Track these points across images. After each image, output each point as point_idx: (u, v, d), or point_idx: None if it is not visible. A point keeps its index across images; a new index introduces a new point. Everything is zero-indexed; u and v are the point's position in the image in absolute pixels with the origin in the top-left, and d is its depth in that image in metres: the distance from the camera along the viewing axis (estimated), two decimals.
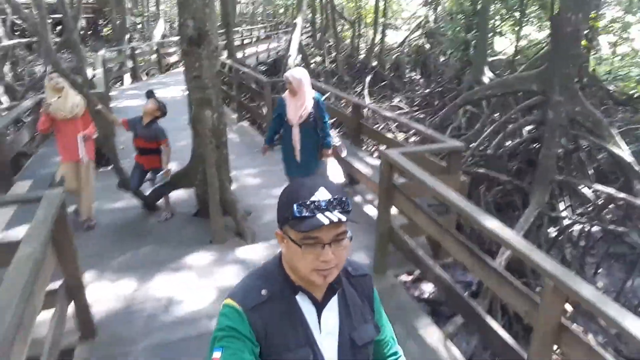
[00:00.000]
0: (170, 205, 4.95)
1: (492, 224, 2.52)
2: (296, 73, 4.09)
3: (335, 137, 4.57)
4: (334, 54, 17.13)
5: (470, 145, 6.68)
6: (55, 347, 2.51)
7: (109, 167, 5.42)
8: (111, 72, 11.86)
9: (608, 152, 5.35)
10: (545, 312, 2.14)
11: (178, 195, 5.15)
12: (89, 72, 8.85)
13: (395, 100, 13.14)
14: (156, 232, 4.62)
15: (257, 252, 4.11)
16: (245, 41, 20.00)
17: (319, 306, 1.13)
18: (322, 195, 1.02)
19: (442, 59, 16.53)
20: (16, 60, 15.58)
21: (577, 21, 4.76)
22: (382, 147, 4.89)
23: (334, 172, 4.50)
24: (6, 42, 11.08)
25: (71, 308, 2.97)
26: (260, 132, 8.25)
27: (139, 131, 4.55)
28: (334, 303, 1.16)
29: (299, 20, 11.55)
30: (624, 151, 5.30)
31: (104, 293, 3.61)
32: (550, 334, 2.16)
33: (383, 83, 15.19)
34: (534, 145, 6.05)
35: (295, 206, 1.02)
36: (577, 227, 5.61)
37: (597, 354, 1.99)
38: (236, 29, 19.47)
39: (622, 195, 5.09)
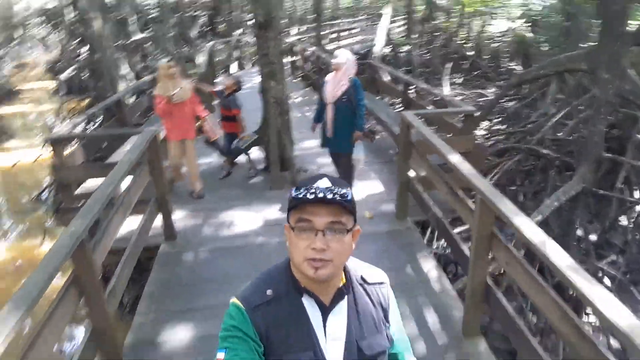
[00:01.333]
0: (253, 162, 5.92)
1: (469, 171, 3.11)
2: (344, 52, 4.56)
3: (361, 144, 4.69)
4: (433, 44, 17.46)
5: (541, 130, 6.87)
6: (140, 242, 3.70)
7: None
8: (219, 62, 13.67)
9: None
10: (479, 221, 2.79)
11: (258, 153, 6.20)
12: (199, 59, 10.54)
13: (489, 90, 13.20)
14: (232, 179, 5.83)
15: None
16: (344, 33, 21.01)
17: (325, 310, 1.12)
18: (322, 183, 1.05)
19: (546, 47, 15.98)
20: (145, 53, 18.49)
21: (622, 0, 4.94)
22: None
23: (361, 157, 4.69)
24: (138, 36, 13.40)
25: (158, 219, 4.23)
26: None
27: (221, 101, 5.76)
28: (342, 308, 1.14)
29: (387, 11, 12.26)
30: None
31: (186, 213, 4.88)
32: (484, 239, 2.81)
33: (476, 72, 15.23)
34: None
35: (293, 190, 1.06)
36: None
37: (516, 258, 2.58)
38: (336, 21, 20.60)
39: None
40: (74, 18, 19.41)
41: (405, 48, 14.20)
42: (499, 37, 18.31)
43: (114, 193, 3.07)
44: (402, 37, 17.18)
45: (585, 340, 1.94)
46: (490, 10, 18.64)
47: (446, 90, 8.80)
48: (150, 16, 20.47)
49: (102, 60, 8.06)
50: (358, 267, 1.22)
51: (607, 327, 2.58)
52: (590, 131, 5.52)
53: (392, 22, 22.82)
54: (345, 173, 4.75)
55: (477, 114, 4.43)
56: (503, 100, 9.73)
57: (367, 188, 5.35)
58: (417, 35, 18.41)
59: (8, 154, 12.25)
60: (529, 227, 2.31)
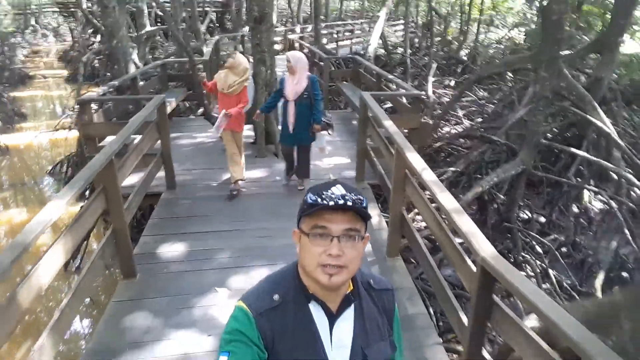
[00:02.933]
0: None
1: (393, 129, 4.20)
2: (295, 54, 4.97)
3: (325, 135, 5.21)
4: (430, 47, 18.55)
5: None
6: (148, 181, 4.82)
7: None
8: (223, 55, 14.82)
9: (589, 122, 6.43)
10: (396, 166, 3.86)
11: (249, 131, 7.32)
12: (205, 50, 11.68)
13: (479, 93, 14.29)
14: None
15: (280, 164, 6.18)
16: (347, 33, 22.14)
17: (332, 317, 1.13)
18: (337, 190, 1.06)
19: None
20: (155, 44, 19.70)
21: (560, 10, 6.00)
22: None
23: (323, 140, 5.17)
24: (149, 28, 14.54)
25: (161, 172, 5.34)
26: None
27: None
28: (349, 315, 1.15)
29: (382, 13, 13.37)
30: (605, 122, 6.33)
31: (186, 170, 6.00)
32: (400, 180, 3.87)
33: (465, 76, 16.34)
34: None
35: (308, 196, 1.08)
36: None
37: (419, 194, 3.63)
38: (339, 22, 21.74)
39: (594, 158, 6.20)
40: (89, 9, 20.70)
41: (400, 50, 15.28)
42: (496, 44, 19.41)
43: (128, 141, 4.19)
44: (402, 40, 18.32)
45: (458, 254, 2.99)
46: (490, 18, 19.73)
47: (430, 88, 9.87)
48: (161, 10, 21.71)
49: (119, 47, 9.21)
50: (365, 274, 1.23)
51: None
52: (531, 121, 6.59)
53: (394, 25, 24.01)
54: (304, 164, 5.27)
55: (423, 96, 5.48)
56: (483, 101, 10.86)
57: (336, 159, 6.48)
58: (416, 40, 19.57)
59: (23, 133, 13.50)
60: (428, 175, 3.27)
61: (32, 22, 33.06)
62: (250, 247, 4.28)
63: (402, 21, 20.41)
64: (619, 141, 6.39)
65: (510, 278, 2.08)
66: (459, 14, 20.01)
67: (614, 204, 6.26)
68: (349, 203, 1.03)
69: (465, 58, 17.36)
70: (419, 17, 23.53)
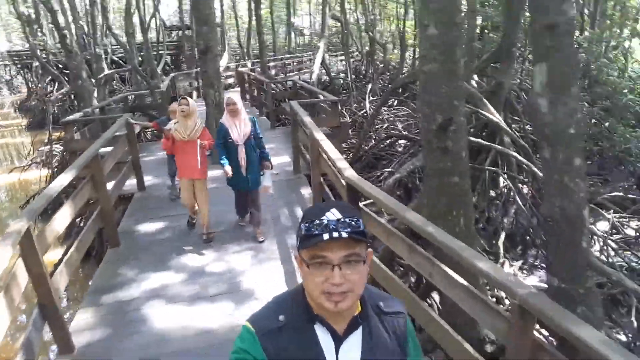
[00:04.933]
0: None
1: (312, 126, 5.69)
2: (237, 96, 4.96)
3: (270, 173, 5.08)
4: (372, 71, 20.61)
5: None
6: (120, 185, 6.12)
7: None
8: (180, 88, 16.30)
9: (481, 114, 8.13)
10: (311, 148, 5.33)
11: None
12: (162, 85, 13.11)
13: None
14: None
15: None
16: (295, 65, 24.02)
17: (339, 339, 1.12)
18: (332, 215, 1.05)
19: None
20: (113, 88, 20.96)
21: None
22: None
23: (269, 180, 5.04)
24: (107, 72, 15.88)
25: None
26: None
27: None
28: (356, 338, 1.13)
29: (321, 44, 15.21)
30: (493, 114, 8.04)
31: (153, 177, 7.26)
32: (315, 158, 5.33)
33: (406, 95, 18.34)
34: None
35: (303, 225, 1.07)
36: None
37: (328, 163, 5.09)
38: (287, 55, 23.64)
39: (491, 144, 7.86)
40: (44, 58, 21.84)
41: (342, 75, 17.14)
42: None
43: (105, 147, 5.51)
44: (342, 67, 20.32)
45: (338, 180, 4.46)
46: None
47: (367, 105, 11.55)
48: (116, 55, 23.12)
49: (84, 87, 10.53)
50: (374, 295, 1.22)
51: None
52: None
53: (337, 55, 26.14)
54: (258, 208, 5.19)
55: (338, 102, 7.05)
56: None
57: (280, 159, 7.91)
58: (362, 67, 21.61)
59: None
60: (334, 152, 4.68)
61: None
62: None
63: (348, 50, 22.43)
64: (506, 128, 8.08)
65: (367, 189, 3.52)
66: (398, 42, 22.29)
67: (508, 182, 7.89)
68: (344, 234, 1.02)
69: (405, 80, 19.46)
70: (364, 47, 25.79)
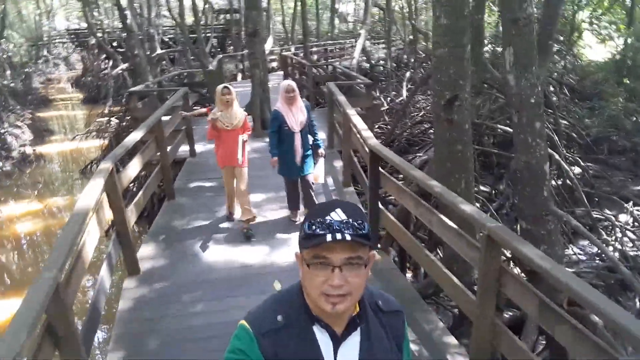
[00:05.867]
0: None
1: (346, 104, 6.39)
2: (294, 84, 4.89)
3: (322, 160, 5.13)
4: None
5: None
6: (174, 150, 7.04)
7: None
8: (226, 70, 17.30)
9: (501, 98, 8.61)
10: (344, 123, 6.05)
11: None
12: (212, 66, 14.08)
13: None
14: None
15: None
16: (337, 51, 24.63)
17: (337, 341, 1.12)
18: (335, 215, 1.04)
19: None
20: (163, 67, 22.26)
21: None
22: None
23: (321, 169, 5.07)
24: (159, 51, 17.07)
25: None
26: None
27: None
28: (354, 339, 1.14)
29: (362, 32, 15.80)
30: None
31: (201, 145, 8.17)
32: (347, 130, 6.04)
33: None
34: None
35: (306, 224, 1.05)
36: None
37: (356, 135, 5.78)
38: (329, 42, 24.28)
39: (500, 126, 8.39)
40: (101, 38, 23.37)
41: (382, 63, 17.67)
42: None
43: (165, 115, 6.42)
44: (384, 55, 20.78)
45: (365, 150, 5.17)
46: None
47: (404, 93, 12.14)
48: (168, 36, 24.41)
49: (140, 64, 11.60)
50: (373, 294, 1.22)
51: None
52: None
53: (379, 43, 26.55)
54: (309, 193, 5.08)
55: (372, 85, 7.71)
56: None
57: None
58: (404, 56, 22.00)
59: (53, 144, 15.91)
60: (361, 124, 5.43)
61: (45, 52, 35.91)
62: None
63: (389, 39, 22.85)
64: None
65: (385, 153, 4.23)
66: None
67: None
68: (347, 237, 1.00)
69: None
70: (407, 35, 26.09)
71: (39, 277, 2.44)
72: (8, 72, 23.60)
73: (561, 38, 15.70)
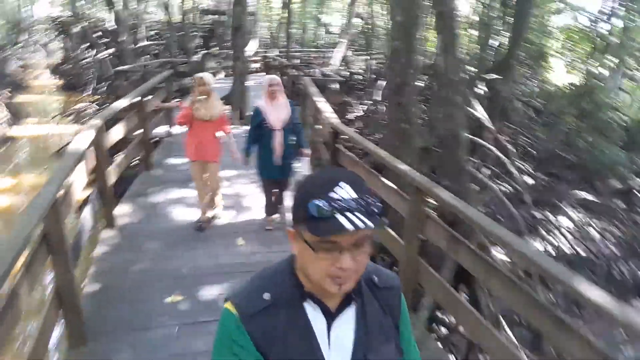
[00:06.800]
0: None
1: (318, 100, 7.07)
2: (276, 78, 4.69)
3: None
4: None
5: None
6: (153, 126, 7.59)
7: None
8: (209, 68, 17.85)
9: (468, 109, 9.42)
10: (314, 115, 6.72)
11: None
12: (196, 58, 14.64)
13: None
14: None
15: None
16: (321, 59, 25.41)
17: (330, 317, 1.07)
18: (344, 192, 0.95)
19: None
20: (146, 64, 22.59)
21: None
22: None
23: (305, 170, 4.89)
24: (144, 43, 17.52)
25: None
26: None
27: None
28: (349, 315, 1.09)
29: (343, 40, 16.61)
30: (478, 111, 9.33)
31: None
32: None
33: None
34: None
35: (310, 205, 0.95)
36: None
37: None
38: (312, 49, 25.09)
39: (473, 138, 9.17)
40: (87, 26, 23.65)
41: (361, 71, 18.51)
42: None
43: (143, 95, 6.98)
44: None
45: (326, 129, 5.84)
46: None
47: (377, 98, 13.00)
48: (153, 30, 24.86)
49: (127, 53, 12.10)
50: (368, 269, 1.14)
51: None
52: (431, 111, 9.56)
53: (361, 54, 27.51)
54: (282, 196, 4.92)
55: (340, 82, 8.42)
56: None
57: None
58: (377, 67, 22.94)
59: (29, 126, 16.17)
60: (325, 107, 6.14)
61: (25, 37, 35.76)
62: None
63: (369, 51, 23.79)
64: (490, 125, 9.38)
65: (343, 128, 4.91)
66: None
67: (476, 169, 9.15)
68: (371, 225, 0.92)
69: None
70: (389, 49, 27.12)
71: (41, 189, 3.00)
72: None
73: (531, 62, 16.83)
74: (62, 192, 3.32)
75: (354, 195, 0.95)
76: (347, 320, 1.09)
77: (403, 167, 3.61)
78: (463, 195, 3.56)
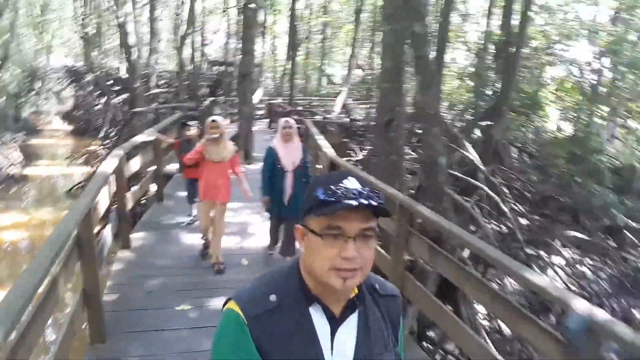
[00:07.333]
0: None
1: (318, 136, 7.72)
2: (292, 121, 4.87)
3: None
4: None
5: None
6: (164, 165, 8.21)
7: None
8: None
9: (461, 154, 10.03)
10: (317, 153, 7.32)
11: None
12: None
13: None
14: None
15: (252, 167, 9.54)
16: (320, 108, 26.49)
17: (335, 322, 1.08)
18: (350, 183, 1.01)
19: None
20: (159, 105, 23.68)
21: (438, 79, 9.86)
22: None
23: None
24: (155, 90, 18.54)
25: None
26: None
27: (184, 149, 5.90)
28: (352, 321, 1.11)
29: (344, 88, 17.58)
30: (470, 152, 9.92)
31: None
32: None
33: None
34: None
35: (319, 189, 1.00)
36: None
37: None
38: (314, 98, 26.23)
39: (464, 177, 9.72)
40: (100, 75, 24.94)
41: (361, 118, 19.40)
42: None
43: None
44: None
45: (326, 166, 6.42)
46: None
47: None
48: (163, 80, 26.15)
49: (140, 98, 12.96)
50: (370, 277, 1.17)
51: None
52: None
53: (362, 103, 28.68)
54: (291, 240, 4.95)
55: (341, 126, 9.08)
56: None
57: None
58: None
59: (41, 168, 16.92)
60: (324, 142, 6.76)
61: (38, 85, 37.32)
62: None
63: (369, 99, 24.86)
64: (481, 166, 9.95)
65: (340, 161, 5.47)
66: None
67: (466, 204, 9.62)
68: (373, 202, 0.98)
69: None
70: None
71: (77, 200, 3.52)
72: (1, 100, 24.76)
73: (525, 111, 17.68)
74: (94, 200, 3.85)
75: (358, 186, 1.01)
76: (350, 326, 1.11)
77: (391, 190, 4.12)
78: (442, 214, 4.03)
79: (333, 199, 0.98)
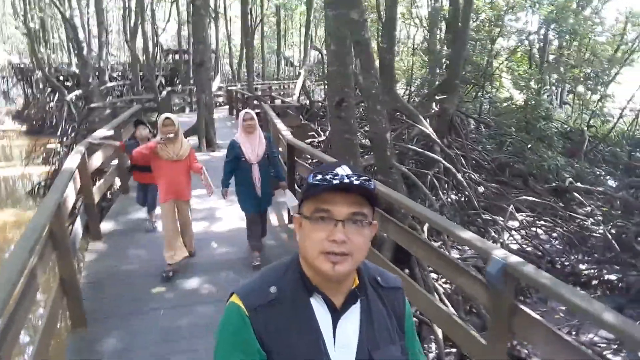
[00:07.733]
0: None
1: (280, 125, 7.98)
2: (253, 113, 4.79)
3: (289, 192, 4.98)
4: None
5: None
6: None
7: None
8: (175, 104, 18.73)
9: (418, 129, 10.51)
10: (279, 140, 7.61)
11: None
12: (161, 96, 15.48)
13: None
14: None
15: (216, 154, 9.75)
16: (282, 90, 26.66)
17: (336, 313, 1.09)
18: (342, 170, 1.04)
19: None
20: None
21: (391, 58, 10.25)
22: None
23: (291, 200, 4.84)
24: (110, 84, 18.29)
25: None
26: None
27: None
28: (354, 313, 1.12)
29: (302, 71, 17.79)
30: (427, 128, 10.42)
31: None
32: (291, 151, 7.59)
33: None
34: None
35: (311, 175, 1.06)
36: None
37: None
38: (273, 81, 26.28)
39: (422, 150, 10.21)
40: (48, 72, 24.25)
41: (320, 100, 19.71)
42: None
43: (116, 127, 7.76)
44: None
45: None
46: None
47: None
48: (116, 73, 25.70)
49: (94, 94, 12.86)
50: (372, 269, 1.21)
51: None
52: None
53: (320, 84, 28.96)
54: (264, 227, 5.03)
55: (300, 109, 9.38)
56: None
57: None
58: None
59: None
60: (281, 125, 7.05)
61: None
62: None
63: None
64: (436, 139, 10.47)
65: (298, 143, 5.78)
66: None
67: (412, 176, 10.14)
68: (355, 182, 1.01)
69: None
70: None
71: (47, 196, 3.74)
72: None
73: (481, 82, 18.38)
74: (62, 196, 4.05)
75: (349, 172, 1.05)
76: (352, 318, 1.11)
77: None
78: (392, 187, 4.43)
79: (320, 182, 1.03)
